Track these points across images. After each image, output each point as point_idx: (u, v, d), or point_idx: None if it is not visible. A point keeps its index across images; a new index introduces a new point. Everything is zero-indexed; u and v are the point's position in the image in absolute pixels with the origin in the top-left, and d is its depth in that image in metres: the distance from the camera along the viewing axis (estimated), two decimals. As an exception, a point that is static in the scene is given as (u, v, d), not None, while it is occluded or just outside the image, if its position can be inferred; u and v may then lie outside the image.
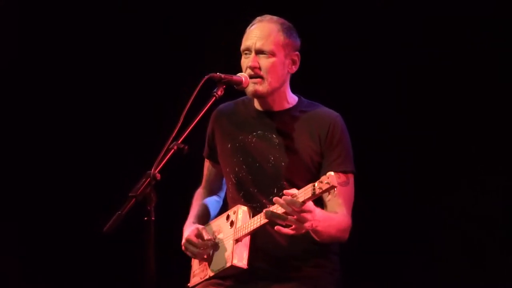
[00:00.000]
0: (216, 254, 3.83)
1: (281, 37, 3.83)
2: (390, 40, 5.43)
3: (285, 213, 3.48)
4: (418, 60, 5.36)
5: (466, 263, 5.30)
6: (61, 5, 5.99)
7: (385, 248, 5.40)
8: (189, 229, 3.90)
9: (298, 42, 3.90)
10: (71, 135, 6.03)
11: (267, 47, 3.80)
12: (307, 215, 3.46)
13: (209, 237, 3.82)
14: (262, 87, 3.81)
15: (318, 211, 3.54)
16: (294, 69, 3.89)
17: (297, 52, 3.89)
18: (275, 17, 3.90)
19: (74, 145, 6.03)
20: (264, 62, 3.80)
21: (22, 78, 6.07)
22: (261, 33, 3.82)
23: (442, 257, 5.35)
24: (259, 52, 3.80)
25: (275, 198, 3.50)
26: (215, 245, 3.83)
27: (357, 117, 5.29)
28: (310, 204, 3.47)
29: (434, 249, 5.37)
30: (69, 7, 5.99)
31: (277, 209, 3.52)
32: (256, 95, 3.84)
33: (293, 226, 3.49)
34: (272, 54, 3.80)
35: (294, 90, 3.98)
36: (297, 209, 3.44)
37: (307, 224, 3.48)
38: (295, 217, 3.45)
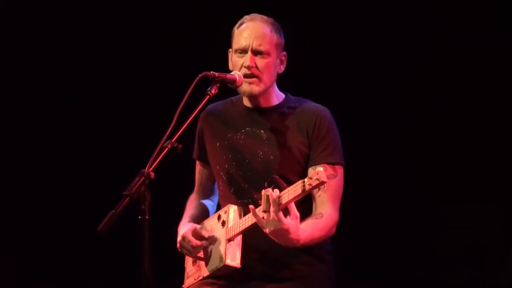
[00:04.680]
0: (210, 254, 3.82)
1: (274, 37, 3.88)
2: (384, 38, 5.44)
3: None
4: (416, 60, 5.37)
5: (466, 265, 5.30)
6: (61, 5, 6.00)
7: (383, 248, 5.40)
8: (185, 227, 3.90)
9: (283, 42, 3.95)
10: (65, 135, 6.05)
11: (264, 47, 3.84)
12: (281, 217, 3.44)
13: (207, 235, 3.82)
14: (258, 87, 3.85)
15: (301, 230, 3.54)
16: (282, 68, 3.94)
17: (284, 52, 3.95)
18: (264, 17, 3.93)
19: (67, 145, 6.05)
20: (260, 62, 3.84)
21: (21, 78, 6.08)
22: (257, 33, 3.85)
23: (441, 259, 5.35)
24: (256, 52, 3.84)
25: (264, 190, 3.49)
26: (211, 243, 3.82)
27: (360, 117, 5.32)
28: (295, 212, 3.48)
29: (433, 250, 5.37)
30: (69, 7, 6.00)
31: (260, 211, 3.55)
32: (252, 95, 3.87)
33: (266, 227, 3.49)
34: (268, 54, 3.85)
35: (286, 88, 4.01)
36: (275, 208, 3.43)
37: (281, 226, 3.45)
38: (271, 217, 3.45)
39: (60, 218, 5.96)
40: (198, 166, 4.17)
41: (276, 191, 3.46)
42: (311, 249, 3.80)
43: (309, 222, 3.65)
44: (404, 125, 5.45)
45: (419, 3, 5.40)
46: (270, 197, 3.45)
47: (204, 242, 3.82)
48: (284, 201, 3.45)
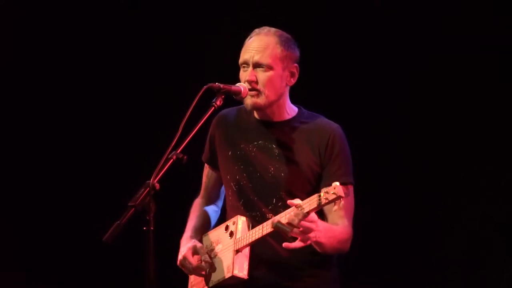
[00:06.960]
0: (216, 265, 3.82)
1: (278, 50, 3.81)
2: (392, 44, 5.43)
3: (289, 224, 3.47)
4: (422, 64, 5.37)
5: (469, 267, 5.31)
6: (61, 6, 5.98)
7: (386, 253, 5.41)
8: (186, 245, 3.89)
9: (297, 54, 3.87)
10: (70, 143, 6.04)
11: (265, 61, 3.79)
12: (311, 225, 3.46)
13: (207, 260, 3.82)
14: (259, 100, 3.81)
15: (320, 222, 3.54)
16: (293, 81, 3.88)
17: (296, 64, 3.87)
18: (273, 29, 3.87)
19: (73, 154, 6.04)
20: (261, 75, 3.79)
21: (22, 78, 6.06)
22: (259, 46, 3.80)
23: (445, 261, 5.36)
24: (256, 65, 3.79)
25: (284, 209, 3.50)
26: (211, 265, 3.82)
27: (360, 119, 5.33)
28: (312, 215, 3.48)
29: (436, 252, 5.38)
30: (69, 8, 5.97)
31: (282, 218, 3.54)
32: (255, 107, 3.84)
33: (299, 238, 3.50)
34: (269, 67, 3.79)
35: (296, 100, 3.98)
36: (301, 219, 3.43)
37: (311, 235, 3.47)
38: (300, 228, 3.45)
39: (66, 228, 5.96)
40: (206, 169, 4.12)
41: (290, 205, 3.47)
42: (318, 260, 3.80)
43: (327, 224, 3.69)
44: (406, 125, 5.45)
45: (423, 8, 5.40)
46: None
47: (204, 265, 3.82)
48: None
